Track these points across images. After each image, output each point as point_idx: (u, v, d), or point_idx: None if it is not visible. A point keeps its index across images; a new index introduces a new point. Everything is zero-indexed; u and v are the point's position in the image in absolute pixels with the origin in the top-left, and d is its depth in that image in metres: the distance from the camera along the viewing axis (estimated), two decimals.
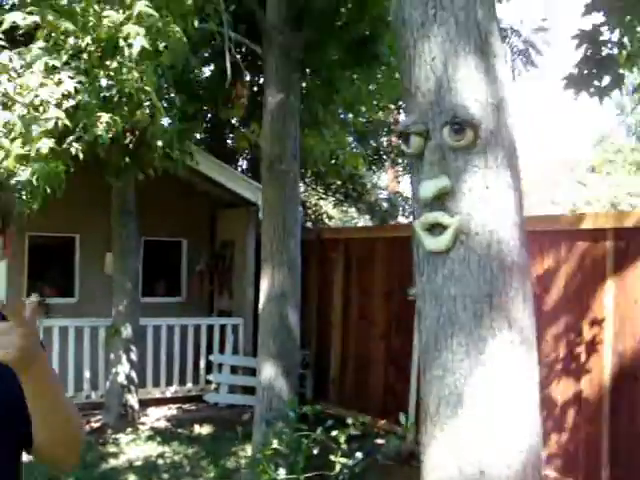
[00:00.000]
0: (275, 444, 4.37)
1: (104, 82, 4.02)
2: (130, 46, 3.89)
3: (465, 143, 2.10)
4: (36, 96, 4.85)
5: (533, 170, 26.76)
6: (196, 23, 4.40)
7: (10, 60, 5.11)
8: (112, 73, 4.00)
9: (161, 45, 3.97)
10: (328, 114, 7.34)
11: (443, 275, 2.14)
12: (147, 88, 3.99)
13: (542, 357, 5.77)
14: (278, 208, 5.81)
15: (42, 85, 4.86)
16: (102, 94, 4.12)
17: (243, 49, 7.13)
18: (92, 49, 4.38)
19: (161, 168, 6.38)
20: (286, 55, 5.91)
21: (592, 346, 5.49)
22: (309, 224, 13.48)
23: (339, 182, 12.72)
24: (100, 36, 4.20)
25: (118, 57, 4.00)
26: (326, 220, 14.37)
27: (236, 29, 6.77)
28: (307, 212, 13.67)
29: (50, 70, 4.89)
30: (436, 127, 2.15)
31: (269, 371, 5.77)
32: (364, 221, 16.05)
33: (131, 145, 6.45)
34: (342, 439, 4.17)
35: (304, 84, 7.08)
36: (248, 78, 8.29)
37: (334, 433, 4.21)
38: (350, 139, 10.55)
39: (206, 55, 7.06)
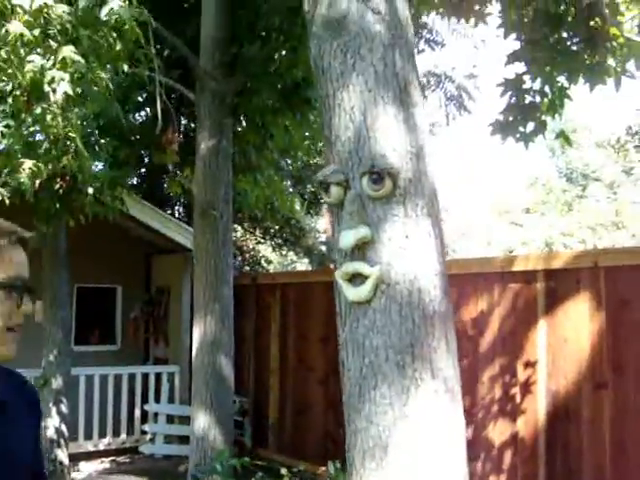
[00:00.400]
0: None
1: (29, 128, 3.92)
2: (54, 91, 3.81)
3: (384, 193, 2.09)
4: None
5: (469, 213, 27.32)
6: (126, 68, 4.33)
7: None
8: (37, 119, 3.90)
9: (86, 91, 3.89)
10: (262, 159, 7.34)
11: (365, 325, 2.11)
12: (72, 134, 3.90)
13: (479, 399, 5.81)
14: (210, 254, 5.74)
15: None
16: (26, 140, 4.01)
17: (177, 95, 7.10)
18: (17, 93, 4.29)
19: (91, 214, 6.25)
20: (219, 101, 5.91)
21: (526, 387, 5.52)
22: (247, 269, 13.40)
23: (277, 226, 12.71)
24: (25, 80, 4.11)
25: (42, 103, 3.91)
26: (265, 264, 14.31)
27: (169, 75, 6.75)
28: (245, 257, 13.60)
29: None
30: (355, 177, 2.15)
31: (202, 421, 5.63)
32: (303, 265, 16.05)
33: (61, 191, 6.32)
34: None
35: (238, 129, 7.08)
36: (183, 123, 8.27)
37: None
38: (288, 183, 10.58)
39: (140, 100, 7.01)
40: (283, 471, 4.24)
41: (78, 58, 3.92)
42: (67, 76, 3.88)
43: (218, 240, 5.80)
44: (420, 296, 2.09)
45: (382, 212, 2.11)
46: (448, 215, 22.17)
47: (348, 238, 2.09)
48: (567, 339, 5.23)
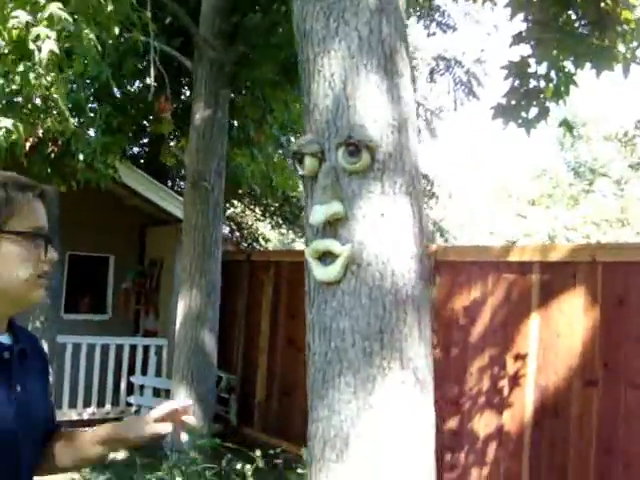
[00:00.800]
0: (178, 477, 4.12)
1: (11, 86, 3.77)
2: (39, 49, 3.66)
3: (360, 166, 1.95)
4: None
5: (473, 201, 27.12)
6: (117, 31, 4.17)
7: None
8: (20, 77, 3.74)
9: (73, 51, 3.73)
10: (261, 133, 7.17)
11: (332, 307, 1.98)
12: (55, 95, 3.75)
13: (466, 389, 5.69)
14: (199, 227, 5.60)
15: None
16: (7, 99, 3.86)
17: (177, 64, 6.93)
18: (6, 52, 4.14)
19: (83, 180, 6.11)
20: (216, 70, 5.75)
21: (515, 380, 5.40)
22: (245, 245, 13.26)
23: (276, 204, 12.55)
24: (11, 37, 3.96)
25: (27, 61, 3.76)
26: (263, 242, 14.16)
27: (171, 43, 6.58)
28: (243, 233, 13.45)
29: None
30: (331, 148, 2.00)
31: (183, 396, 5.52)
32: (303, 244, 15.89)
33: (53, 155, 6.19)
34: (249, 473, 3.96)
35: (237, 101, 6.91)
36: (186, 95, 8.10)
37: (239, 466, 3.99)
38: (290, 161, 10.41)
39: (139, 67, 6.83)
40: (257, 452, 4.12)
41: (65, 15, 3.77)
42: (53, 34, 3.73)
43: (208, 213, 5.66)
44: (393, 279, 1.95)
45: (357, 187, 1.97)
46: (451, 202, 21.98)
47: (319, 213, 1.95)
48: (560, 334, 5.09)
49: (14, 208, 1.45)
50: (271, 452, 4.55)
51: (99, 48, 3.84)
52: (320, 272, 1.99)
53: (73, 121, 4.28)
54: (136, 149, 10.88)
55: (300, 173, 2.06)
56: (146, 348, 8.66)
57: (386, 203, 1.97)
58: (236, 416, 8.44)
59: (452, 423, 5.65)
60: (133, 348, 8.56)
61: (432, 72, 12.31)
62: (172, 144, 8.72)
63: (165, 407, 1.52)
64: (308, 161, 2.01)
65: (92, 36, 3.75)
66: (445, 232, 17.94)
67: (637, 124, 12.70)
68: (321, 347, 2.01)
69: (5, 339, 1.51)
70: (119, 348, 8.47)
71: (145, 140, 10.69)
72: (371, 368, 1.92)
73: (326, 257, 1.99)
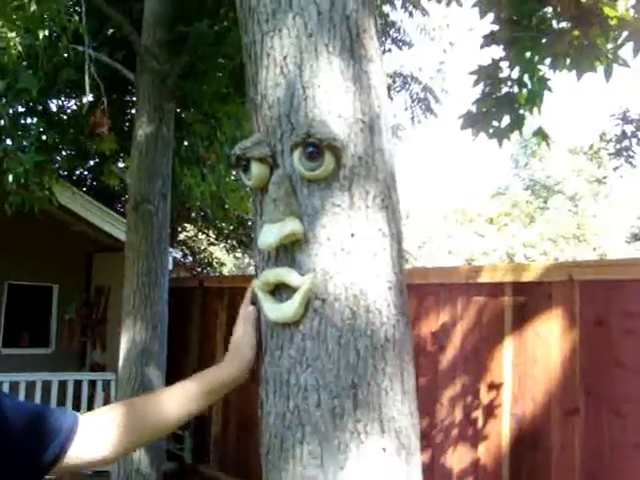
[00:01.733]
0: None
1: None
2: None
3: (323, 173, 1.52)
4: None
5: (431, 219, 27.03)
6: (41, 35, 3.70)
7: None
8: None
9: None
10: (211, 151, 6.73)
11: (290, 356, 1.53)
12: None
13: (437, 421, 5.28)
14: (142, 253, 5.12)
15: None
16: None
17: (121, 77, 6.46)
18: None
19: (14, 203, 5.59)
20: (159, 82, 5.29)
21: (490, 410, 5.03)
22: (199, 270, 12.74)
23: (231, 227, 12.07)
24: None
25: None
26: (218, 267, 13.63)
27: (114, 56, 6.14)
28: (196, 258, 12.93)
29: None
30: (285, 150, 1.57)
31: None
32: None
33: None
34: None
35: (185, 118, 6.46)
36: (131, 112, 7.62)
37: None
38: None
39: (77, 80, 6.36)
40: None
41: None
42: None
43: (152, 238, 5.17)
44: (368, 317, 1.52)
45: (319, 200, 1.54)
46: (409, 221, 21.81)
47: (271, 234, 1.51)
48: (536, 359, 4.75)
49: None
50: None
51: (20, 50, 3.36)
52: (273, 310, 1.54)
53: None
54: (81, 171, 10.33)
55: (246, 184, 1.62)
56: (93, 384, 8.07)
57: (356, 220, 1.54)
58: (191, 453, 7.96)
59: (424, 457, 5.23)
60: (78, 384, 7.97)
61: (389, 89, 12.03)
62: (121, 165, 8.24)
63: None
64: (255, 168, 1.57)
65: (12, 34, 3.27)
66: (405, 252, 17.68)
67: (602, 136, 12.59)
68: (277, 406, 1.56)
69: None
70: (62, 384, 7.86)
71: (91, 162, 10.16)
72: (342, 433, 1.48)
73: (281, 290, 1.55)
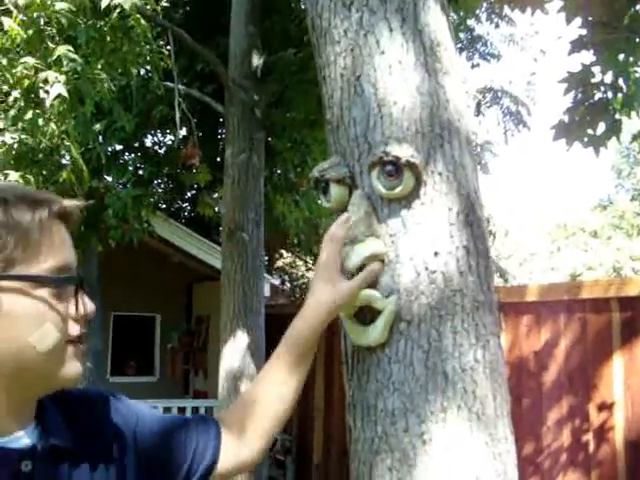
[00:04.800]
0: None
1: (15, 136, 3.45)
2: (47, 93, 3.34)
3: (403, 191, 1.48)
4: None
5: (531, 236, 26.29)
6: (134, 72, 3.85)
7: None
8: (29, 125, 3.42)
9: (83, 91, 3.40)
10: (303, 178, 6.79)
11: (376, 380, 1.49)
12: (67, 142, 3.41)
13: (544, 446, 5.07)
14: (238, 282, 5.19)
15: None
16: (18, 149, 3.53)
17: (212, 111, 6.65)
18: (21, 102, 3.84)
19: (115, 237, 5.80)
20: (248, 113, 5.39)
21: (601, 433, 4.78)
22: (297, 297, 12.83)
23: None
24: (22, 85, 3.66)
25: (35, 108, 3.45)
26: None
27: (204, 90, 6.32)
28: (293, 284, 13.04)
29: None
30: (362, 170, 1.54)
31: None
32: None
33: (85, 212, 5.90)
34: None
35: (275, 146, 6.56)
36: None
37: None
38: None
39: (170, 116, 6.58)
40: None
41: (75, 56, 3.45)
42: (63, 77, 3.41)
43: (247, 265, 5.24)
44: (455, 339, 1.46)
45: (400, 219, 1.50)
46: (507, 239, 21.27)
47: (353, 256, 1.48)
48: None
49: (22, 238, 0.92)
50: None
51: (113, 89, 3.49)
52: (357, 334, 1.51)
53: (86, 170, 3.93)
54: (178, 204, 10.66)
55: (326, 206, 1.60)
56: (196, 410, 8.23)
57: (440, 238, 1.49)
58: (293, 479, 7.96)
59: None
60: (182, 410, 8.15)
61: (479, 105, 11.85)
62: (215, 196, 8.44)
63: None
64: (334, 190, 1.55)
65: (104, 76, 3.41)
66: (505, 273, 17.22)
67: None
68: (365, 432, 1.52)
69: (22, 438, 0.96)
70: (167, 411, 8.05)
71: (188, 194, 10.48)
72: (432, 460, 1.42)
73: (365, 313, 1.51)
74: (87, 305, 1.00)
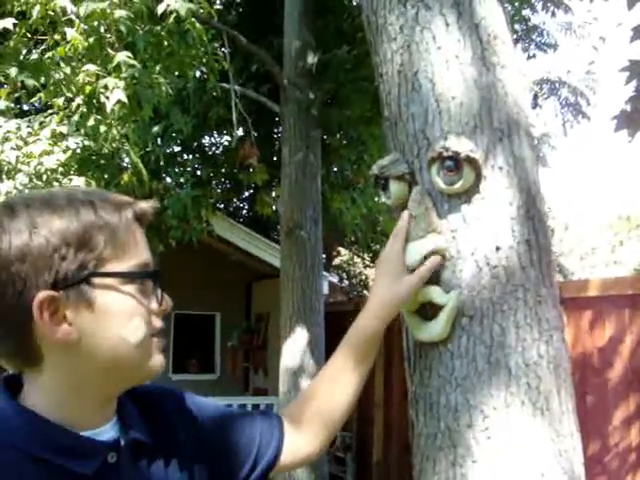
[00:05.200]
0: None
1: (78, 141, 3.55)
2: (108, 99, 3.43)
3: (463, 186, 1.48)
4: (40, 164, 4.52)
5: (593, 230, 25.69)
6: (192, 74, 3.91)
7: (18, 128, 4.81)
8: (91, 131, 3.52)
9: (141, 96, 3.48)
10: (359, 174, 6.79)
11: (439, 375, 1.49)
12: (127, 147, 3.49)
13: (610, 444, 4.95)
14: (297, 280, 5.23)
15: (47, 153, 4.52)
16: (81, 155, 3.64)
17: (268, 111, 6.71)
18: (84, 108, 3.96)
19: (175, 237, 5.90)
20: (304, 111, 5.42)
21: None
22: (356, 294, 12.83)
23: None
24: (84, 91, 3.77)
25: (96, 114, 3.54)
26: None
27: (260, 90, 6.38)
28: (352, 282, 13.04)
29: (58, 137, 4.54)
30: (422, 166, 1.54)
31: None
32: None
33: None
34: None
35: (331, 143, 6.57)
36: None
37: None
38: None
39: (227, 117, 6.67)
40: None
41: (134, 62, 3.53)
42: (122, 83, 3.49)
43: (306, 263, 5.28)
44: (518, 334, 1.45)
45: (461, 214, 1.50)
46: (568, 233, 20.84)
47: (414, 252, 1.49)
48: None
49: (111, 238, 0.97)
50: None
51: (170, 92, 3.56)
52: (420, 329, 1.51)
53: (144, 172, 4.02)
54: (236, 203, 10.78)
55: (386, 202, 1.61)
56: (256, 407, 8.33)
57: (501, 232, 1.48)
58: (353, 476, 7.97)
59: None
60: (242, 408, 8.26)
61: (536, 97, 11.63)
62: (273, 194, 8.52)
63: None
64: (394, 186, 1.56)
65: (162, 80, 3.48)
66: (565, 269, 16.87)
67: None
68: (428, 428, 1.52)
69: (108, 431, 1.01)
70: None
71: (246, 194, 10.60)
72: (496, 455, 1.41)
73: (427, 309, 1.51)
74: (167, 300, 1.05)
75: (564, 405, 1.47)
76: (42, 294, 0.91)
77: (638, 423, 4.81)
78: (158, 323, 1.03)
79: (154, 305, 1.02)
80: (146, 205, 1.06)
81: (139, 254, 1.01)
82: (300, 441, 1.34)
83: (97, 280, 0.95)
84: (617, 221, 26.41)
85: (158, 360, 1.04)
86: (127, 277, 0.97)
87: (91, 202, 0.98)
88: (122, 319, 0.97)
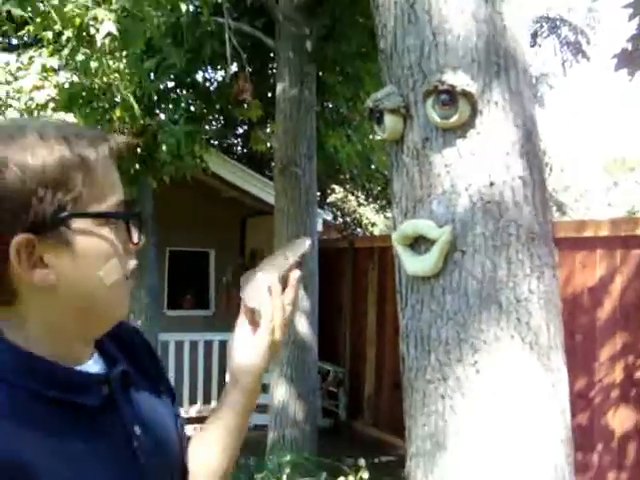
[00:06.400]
0: None
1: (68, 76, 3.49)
2: (98, 31, 3.35)
3: (458, 120, 1.46)
4: (31, 99, 4.44)
5: (588, 171, 25.64)
6: (184, 8, 3.81)
7: (7, 63, 4.72)
8: (80, 66, 3.45)
9: (131, 30, 3.39)
10: (355, 111, 6.70)
11: (431, 310, 1.51)
12: (117, 83, 3.42)
13: (595, 381, 5.06)
14: (291, 216, 5.22)
15: (37, 88, 4.44)
16: (69, 91, 3.57)
17: (262, 47, 6.58)
18: (73, 42, 3.88)
19: (167, 172, 5.87)
20: (299, 47, 5.32)
21: None
22: (350, 232, 12.86)
23: (379, 187, 12.04)
24: (74, 23, 3.68)
25: (85, 48, 3.46)
26: (370, 227, 13.68)
27: (253, 24, 6.25)
28: (345, 219, 13.04)
29: (49, 71, 4.46)
30: (417, 100, 1.52)
31: (281, 394, 5.20)
32: None
33: (139, 150, 5.99)
34: None
35: (326, 80, 6.48)
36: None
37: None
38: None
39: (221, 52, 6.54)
40: (361, 462, 3.70)
41: None
42: (112, 15, 3.41)
43: (300, 200, 5.26)
44: (510, 269, 1.46)
45: (455, 148, 1.49)
46: (564, 174, 20.79)
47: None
48: None
49: (88, 176, 0.92)
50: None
51: (162, 25, 3.48)
52: (412, 264, 1.52)
53: (136, 108, 3.96)
54: (230, 140, 10.68)
55: (380, 136, 1.59)
56: None
57: (495, 167, 1.48)
58: (345, 410, 8.12)
59: (581, 419, 5.03)
60: None
61: (535, 35, 11.41)
62: (267, 131, 8.43)
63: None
64: (389, 120, 1.54)
65: (153, 13, 3.39)
66: (564, 206, 16.86)
67: None
68: (418, 361, 1.54)
69: (95, 366, 1.01)
70: (223, 344, 8.25)
71: (240, 130, 10.48)
72: (485, 388, 1.44)
73: (420, 243, 1.51)
74: (140, 240, 1.00)
75: (553, 340, 1.49)
76: (19, 237, 0.88)
77: (623, 361, 4.90)
78: (132, 263, 1.00)
79: (130, 245, 0.99)
80: (121, 140, 0.99)
81: (116, 192, 0.96)
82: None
83: (75, 222, 0.91)
84: (612, 163, 26.35)
85: (126, 304, 1.01)
86: (106, 217, 0.94)
87: (65, 138, 0.92)
88: (100, 260, 0.94)
